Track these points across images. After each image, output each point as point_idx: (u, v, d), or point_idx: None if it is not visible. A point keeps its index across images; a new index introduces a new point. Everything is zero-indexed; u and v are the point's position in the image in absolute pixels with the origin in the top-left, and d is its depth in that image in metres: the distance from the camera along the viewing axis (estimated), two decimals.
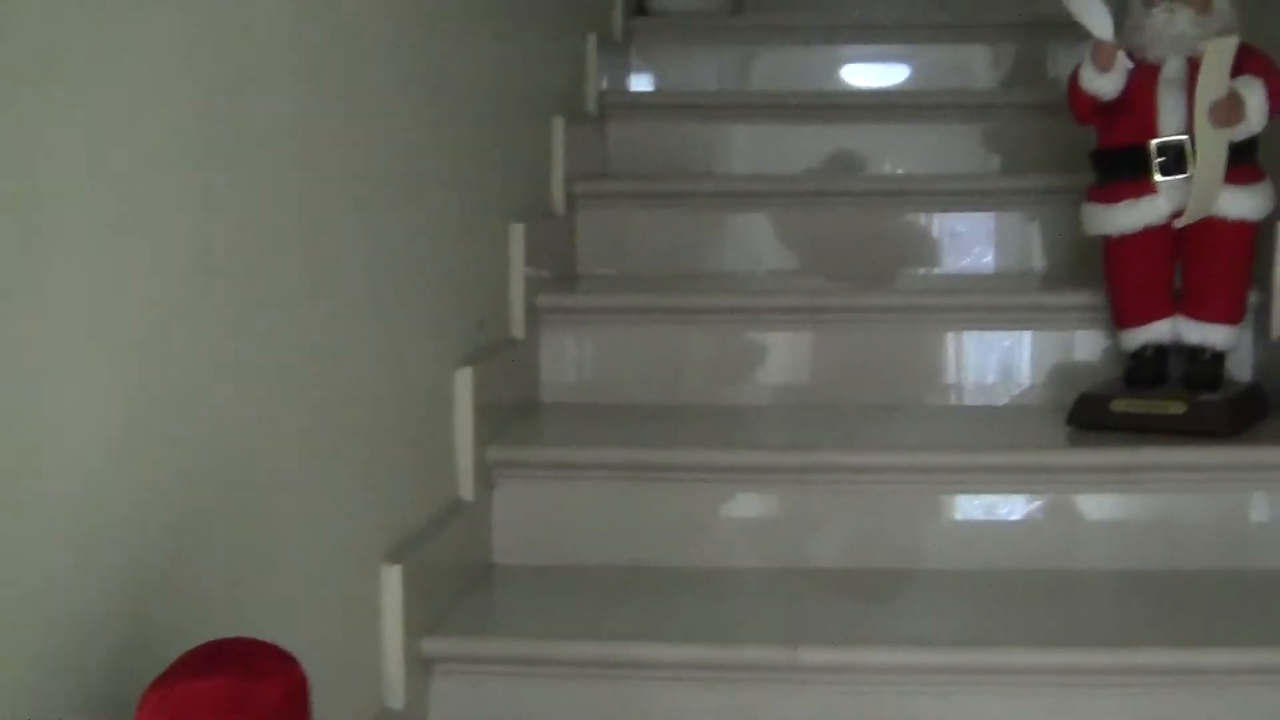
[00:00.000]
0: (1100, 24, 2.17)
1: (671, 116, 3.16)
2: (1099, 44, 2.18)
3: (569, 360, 2.55)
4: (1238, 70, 2.12)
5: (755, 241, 2.84)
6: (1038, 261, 2.78)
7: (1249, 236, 2.21)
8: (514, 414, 2.32)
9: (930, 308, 2.51)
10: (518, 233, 2.39)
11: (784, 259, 2.82)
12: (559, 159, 2.74)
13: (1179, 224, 2.17)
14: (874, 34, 3.46)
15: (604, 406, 2.49)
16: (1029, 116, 2.99)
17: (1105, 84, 2.20)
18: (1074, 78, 2.24)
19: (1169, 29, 2.18)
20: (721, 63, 3.45)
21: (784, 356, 2.53)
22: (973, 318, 2.49)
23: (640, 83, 3.44)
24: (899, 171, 3.11)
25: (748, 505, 2.19)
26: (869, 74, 3.44)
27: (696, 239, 2.85)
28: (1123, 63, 2.18)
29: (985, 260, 2.79)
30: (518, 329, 2.41)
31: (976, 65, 3.38)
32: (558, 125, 2.74)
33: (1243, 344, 2.34)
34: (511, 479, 2.17)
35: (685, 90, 3.39)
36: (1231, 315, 2.24)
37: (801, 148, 3.09)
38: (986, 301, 2.51)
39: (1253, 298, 2.31)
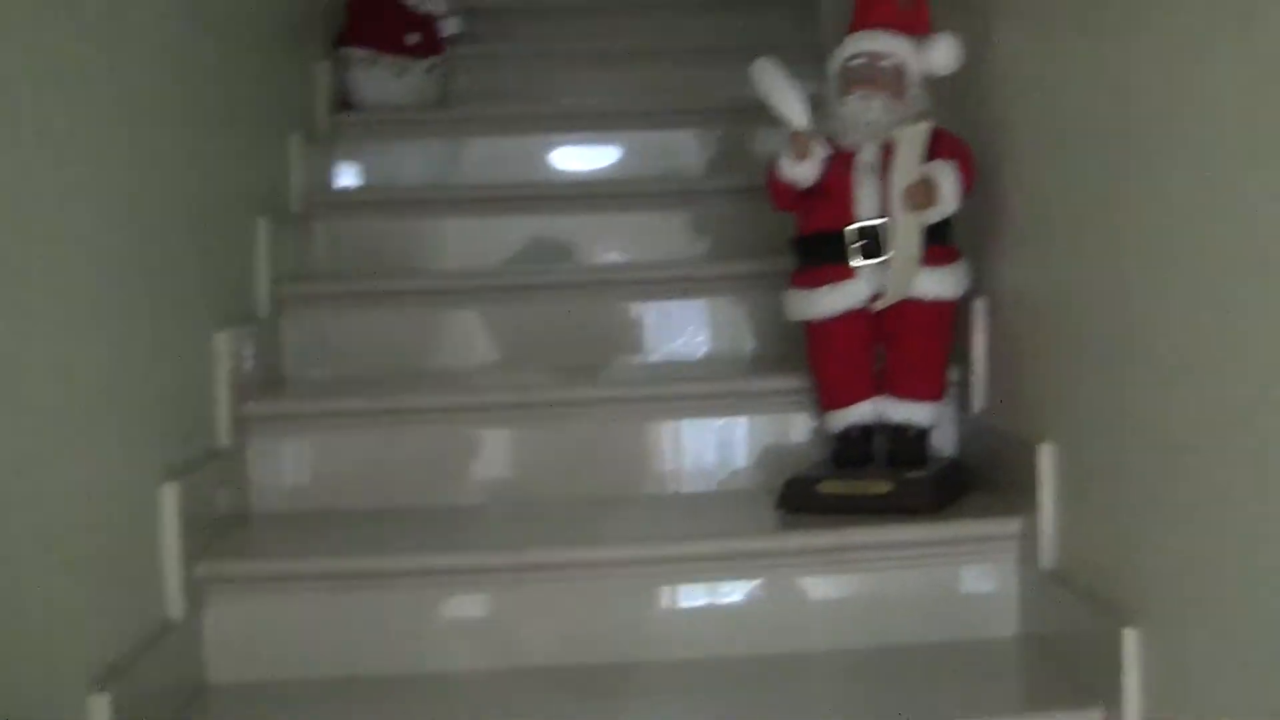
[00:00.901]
0: (796, 113, 2.22)
1: (379, 213, 3.14)
2: (795, 133, 2.22)
3: (280, 467, 2.48)
4: (931, 154, 2.18)
5: (467, 337, 2.83)
6: (749, 345, 2.82)
7: (947, 316, 2.27)
8: (224, 526, 2.25)
9: (640, 398, 2.51)
10: (222, 340, 2.33)
11: (497, 353, 2.81)
12: (263, 261, 2.68)
13: (878, 307, 2.21)
14: (583, 122, 3.49)
15: (318, 513, 2.43)
16: (737, 200, 3.05)
17: (802, 172, 2.24)
18: (772, 167, 2.28)
19: (863, 116, 2.23)
20: (430, 155, 3.43)
21: (498, 453, 2.50)
22: (683, 405, 2.50)
23: (347, 179, 3.39)
24: (610, 259, 3.14)
25: (464, 607, 2.15)
26: (580, 161, 3.46)
27: (408, 337, 2.82)
28: (819, 151, 2.23)
29: (696, 346, 2.83)
30: (225, 438, 2.34)
31: (686, 149, 3.43)
32: (261, 226, 2.69)
33: (945, 420, 2.40)
34: (222, 594, 2.09)
35: (393, 185, 3.36)
36: (933, 393, 2.29)
37: (512, 239, 3.11)
38: (696, 389, 2.53)
39: (953, 375, 2.37)
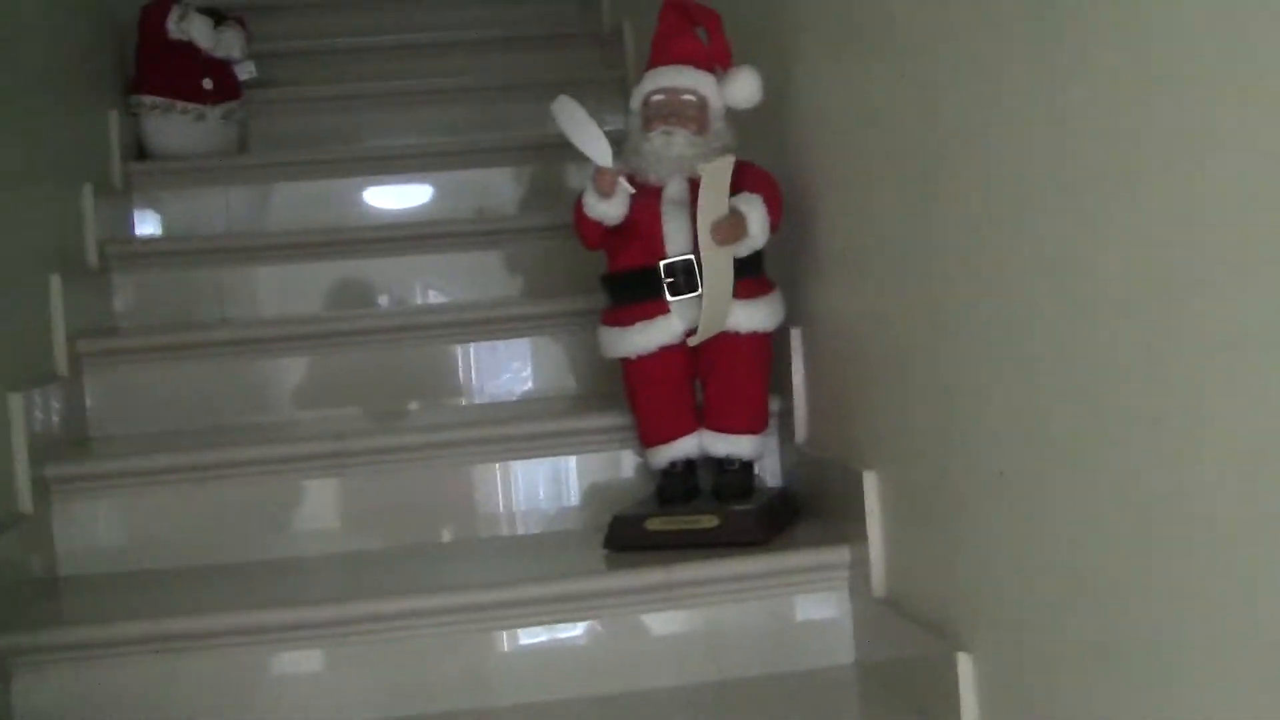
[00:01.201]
0: (599, 151, 2.19)
1: (183, 263, 3.06)
2: (600, 170, 2.20)
3: (87, 530, 2.39)
4: (737, 187, 2.17)
5: (283, 387, 2.77)
6: (571, 384, 2.81)
7: (764, 347, 2.26)
8: (29, 595, 2.17)
9: (463, 441, 2.47)
10: (16, 402, 2.25)
11: (316, 402, 2.76)
12: (59, 319, 2.60)
13: (693, 342, 2.19)
14: (390, 164, 3.45)
15: (134, 574, 2.35)
16: (551, 238, 3.03)
17: (609, 209, 2.22)
18: (578, 205, 2.25)
19: (667, 151, 2.22)
20: (233, 203, 3.36)
21: (318, 505, 2.44)
22: (508, 447, 2.46)
23: (146, 229, 3.31)
24: (427, 301, 3.10)
25: (290, 664, 2.07)
26: (390, 202, 3.43)
27: (219, 389, 2.75)
28: (624, 188, 2.20)
29: (519, 386, 2.80)
30: (25, 503, 2.26)
31: (497, 188, 3.42)
32: (55, 283, 2.60)
33: (770, 451, 2.40)
34: (30, 668, 2.00)
35: (195, 234, 3.28)
36: (754, 425, 2.29)
37: (326, 284, 3.07)
38: (520, 430, 2.48)
39: (776, 405, 2.37)
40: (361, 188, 3.40)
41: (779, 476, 2.44)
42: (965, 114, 1.62)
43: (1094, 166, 1.32)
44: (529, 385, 2.81)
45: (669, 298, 2.21)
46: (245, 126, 3.62)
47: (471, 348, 2.82)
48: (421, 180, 3.44)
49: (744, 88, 2.24)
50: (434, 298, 3.10)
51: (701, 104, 2.25)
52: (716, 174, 2.10)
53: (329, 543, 2.42)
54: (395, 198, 3.43)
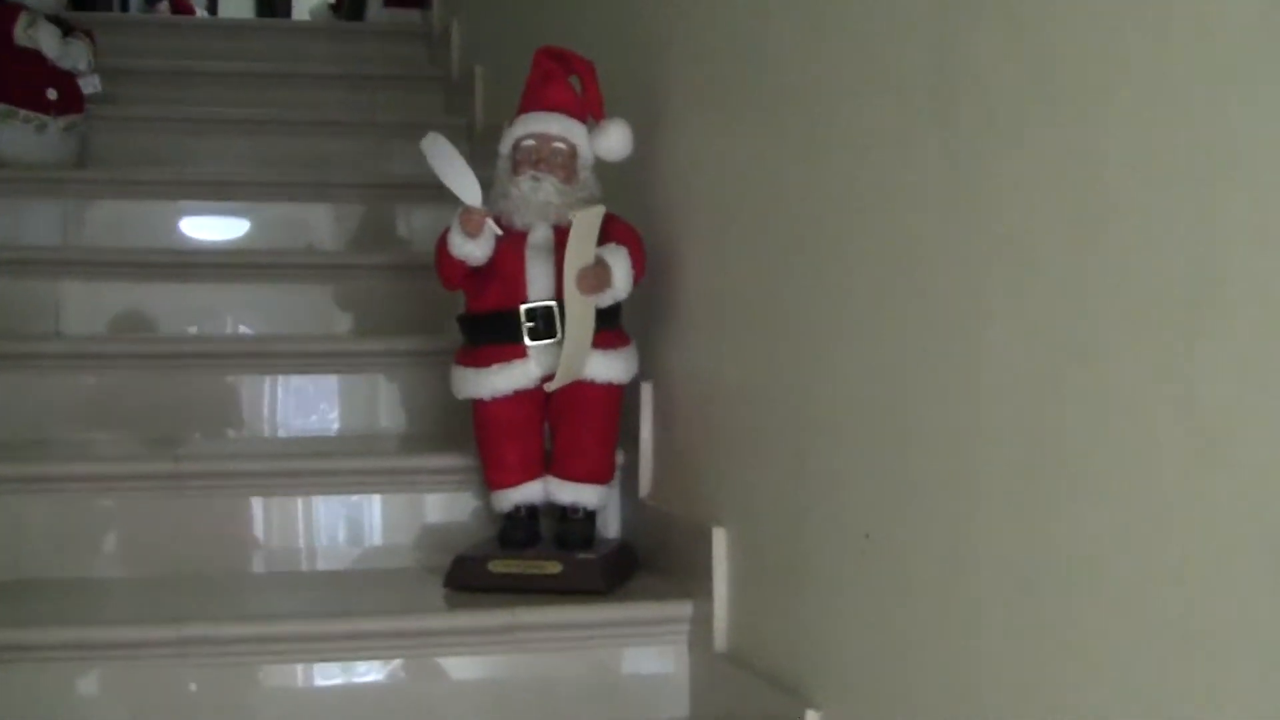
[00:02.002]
0: (468, 190, 2.19)
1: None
2: (467, 210, 2.19)
3: None
4: (603, 238, 2.18)
5: (78, 406, 2.68)
6: (404, 423, 2.77)
7: (616, 399, 2.27)
8: None
9: (288, 472, 2.43)
10: None
11: (115, 424, 2.67)
12: None
13: (550, 387, 2.19)
14: (218, 190, 3.38)
15: None
16: (382, 277, 3.01)
17: (474, 250, 2.21)
18: (442, 243, 2.24)
19: (535, 196, 2.23)
20: (54, 216, 3.28)
21: (114, 528, 2.37)
22: (337, 481, 2.44)
23: None
24: (244, 331, 3.05)
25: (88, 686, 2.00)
26: (212, 230, 3.39)
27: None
28: (491, 229, 2.20)
29: (334, 422, 2.76)
30: None
31: (320, 224, 3.39)
32: None
33: (613, 502, 2.41)
34: None
35: (23, 244, 3.19)
36: (601, 475, 2.29)
37: (135, 306, 2.98)
38: (352, 465, 2.46)
39: (621, 457, 2.38)
40: (184, 212, 3.33)
41: (619, 529, 2.44)
42: (836, 170, 1.65)
43: (982, 233, 1.36)
44: (358, 420, 2.77)
45: (528, 342, 2.21)
46: (84, 141, 3.54)
47: (294, 380, 2.76)
48: (246, 210, 3.39)
49: (615, 139, 2.27)
50: (258, 329, 3.05)
51: (571, 152, 2.26)
52: (587, 221, 2.12)
53: (141, 568, 2.35)
54: (218, 225, 3.38)
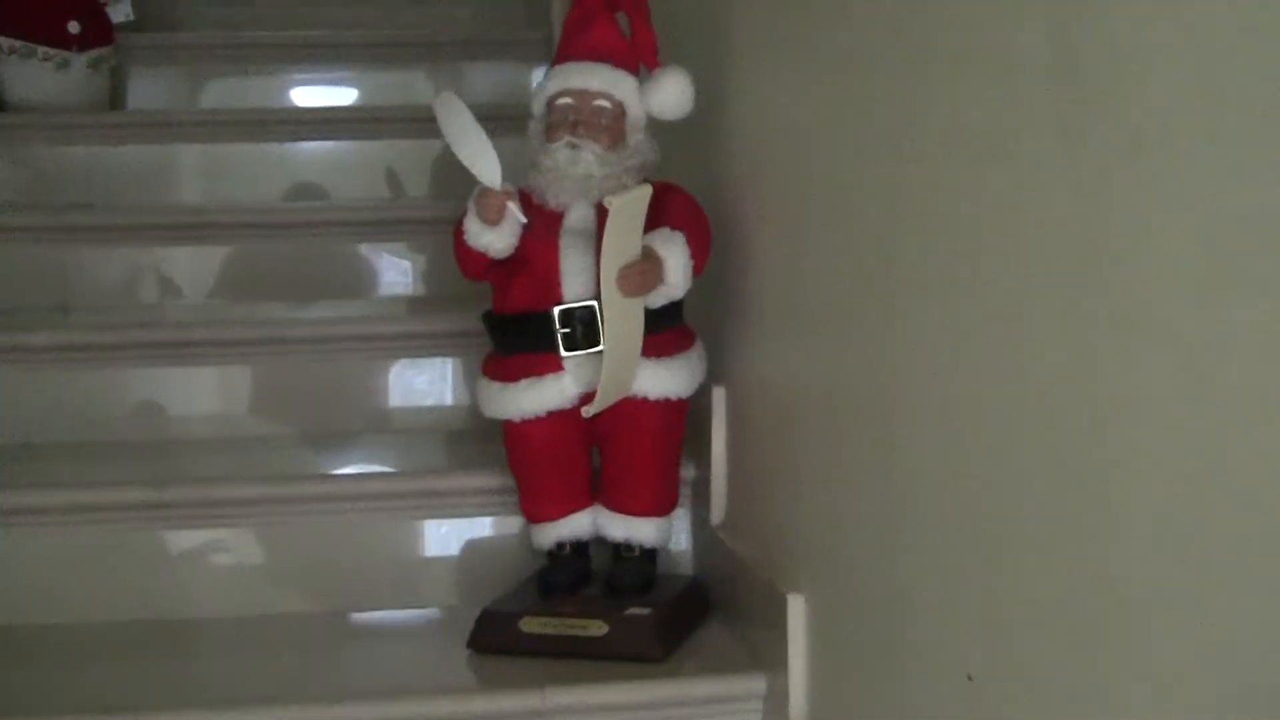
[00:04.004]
0: (487, 167, 1.76)
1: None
2: (485, 192, 1.77)
3: None
4: (656, 217, 1.75)
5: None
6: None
7: (677, 416, 1.86)
8: None
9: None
10: None
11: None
12: None
13: (588, 413, 1.76)
14: (303, 127, 3.04)
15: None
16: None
17: (495, 240, 1.79)
18: (459, 228, 1.82)
19: (572, 169, 1.80)
20: (96, 165, 2.92)
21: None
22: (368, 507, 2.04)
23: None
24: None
25: None
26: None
27: None
28: (515, 216, 1.78)
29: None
30: None
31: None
32: None
33: (681, 528, 1.99)
34: None
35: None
36: (659, 507, 1.88)
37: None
38: (377, 488, 2.07)
39: (692, 471, 1.97)
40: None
41: (689, 561, 2.02)
42: (959, 140, 1.20)
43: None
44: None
45: (563, 352, 1.79)
46: (118, 76, 3.16)
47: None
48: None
49: (672, 94, 1.82)
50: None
51: (618, 111, 1.82)
52: (627, 210, 1.68)
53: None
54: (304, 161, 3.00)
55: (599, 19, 1.85)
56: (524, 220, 1.77)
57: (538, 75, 3.09)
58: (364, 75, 3.31)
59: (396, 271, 2.69)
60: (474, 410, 2.01)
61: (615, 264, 1.68)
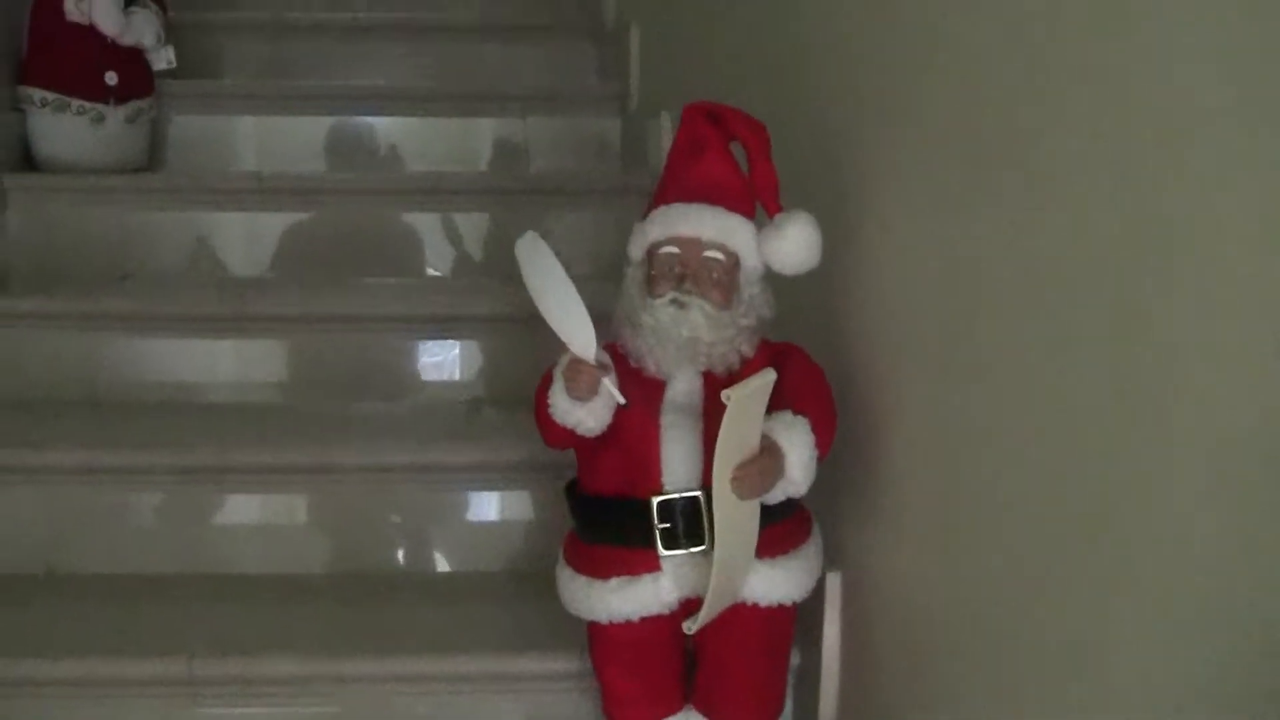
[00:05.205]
0: (577, 332, 1.48)
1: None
2: (576, 363, 1.50)
3: None
4: (776, 392, 1.46)
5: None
6: None
7: (787, 623, 1.60)
8: None
9: None
10: None
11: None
12: None
13: (690, 629, 1.49)
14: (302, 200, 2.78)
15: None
16: None
17: (586, 417, 1.52)
18: (540, 396, 1.56)
19: (677, 329, 1.52)
20: (129, 233, 2.68)
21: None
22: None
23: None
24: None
25: None
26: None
27: None
28: (610, 394, 1.51)
29: None
30: None
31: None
32: None
33: None
34: None
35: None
36: (762, 716, 1.62)
37: None
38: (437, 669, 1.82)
39: (796, 658, 1.72)
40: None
41: None
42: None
43: None
44: None
45: (662, 551, 1.52)
46: (158, 129, 2.91)
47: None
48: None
49: (796, 246, 1.53)
50: None
51: (731, 263, 1.54)
52: (748, 402, 1.40)
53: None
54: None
55: (711, 151, 1.57)
56: (622, 401, 1.50)
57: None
58: (426, 125, 3.05)
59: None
60: None
61: (731, 460, 1.41)
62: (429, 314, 2.40)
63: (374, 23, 3.33)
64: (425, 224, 2.71)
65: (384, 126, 3.03)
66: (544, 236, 1.51)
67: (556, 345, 1.49)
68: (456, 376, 2.39)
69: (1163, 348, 0.97)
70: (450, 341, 2.38)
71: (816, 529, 1.62)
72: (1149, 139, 0.99)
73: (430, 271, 2.71)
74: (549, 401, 1.53)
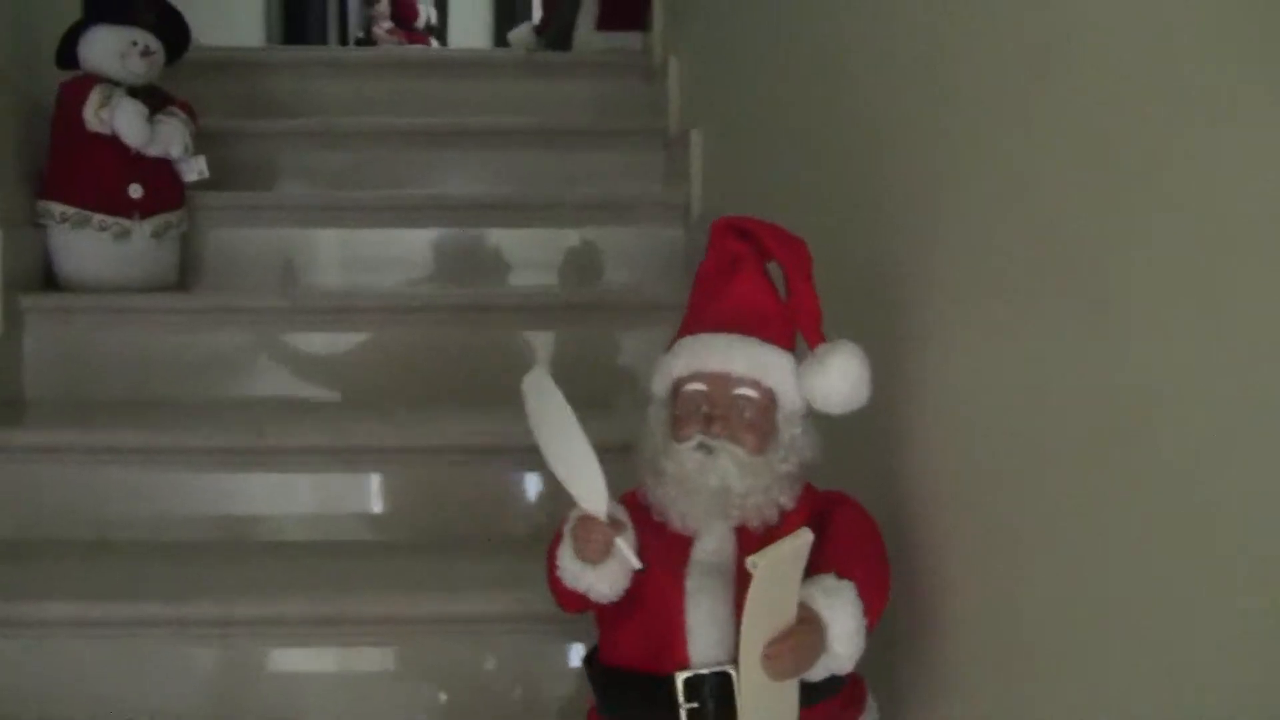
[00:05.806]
0: (589, 491, 1.29)
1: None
2: (586, 521, 1.30)
3: None
4: (819, 545, 1.26)
5: None
6: None
7: None
8: None
9: None
10: None
11: None
12: None
13: None
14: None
15: None
16: None
17: (596, 581, 1.33)
18: (552, 554, 1.36)
19: (702, 479, 1.33)
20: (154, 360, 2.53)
21: None
22: None
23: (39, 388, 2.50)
24: None
25: None
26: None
27: None
28: (625, 557, 1.31)
29: None
30: None
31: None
32: None
33: None
34: None
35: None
36: None
37: None
38: None
39: None
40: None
41: None
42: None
43: None
44: None
45: None
46: (190, 244, 2.77)
47: None
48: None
49: (842, 382, 1.33)
50: None
51: (766, 402, 1.35)
52: (780, 568, 1.20)
53: None
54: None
55: (745, 271, 1.39)
56: (638, 566, 1.30)
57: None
58: (482, 236, 2.89)
59: None
60: None
61: (761, 636, 1.21)
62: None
63: (434, 128, 3.17)
64: (479, 343, 2.54)
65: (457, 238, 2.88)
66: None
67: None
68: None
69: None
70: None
71: (873, 705, 1.40)
72: (1238, 266, 0.80)
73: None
74: (558, 557, 1.34)
